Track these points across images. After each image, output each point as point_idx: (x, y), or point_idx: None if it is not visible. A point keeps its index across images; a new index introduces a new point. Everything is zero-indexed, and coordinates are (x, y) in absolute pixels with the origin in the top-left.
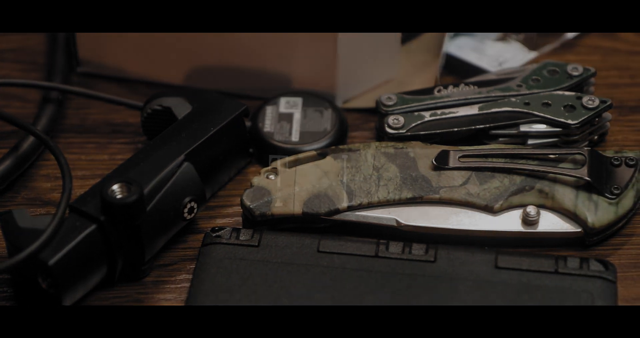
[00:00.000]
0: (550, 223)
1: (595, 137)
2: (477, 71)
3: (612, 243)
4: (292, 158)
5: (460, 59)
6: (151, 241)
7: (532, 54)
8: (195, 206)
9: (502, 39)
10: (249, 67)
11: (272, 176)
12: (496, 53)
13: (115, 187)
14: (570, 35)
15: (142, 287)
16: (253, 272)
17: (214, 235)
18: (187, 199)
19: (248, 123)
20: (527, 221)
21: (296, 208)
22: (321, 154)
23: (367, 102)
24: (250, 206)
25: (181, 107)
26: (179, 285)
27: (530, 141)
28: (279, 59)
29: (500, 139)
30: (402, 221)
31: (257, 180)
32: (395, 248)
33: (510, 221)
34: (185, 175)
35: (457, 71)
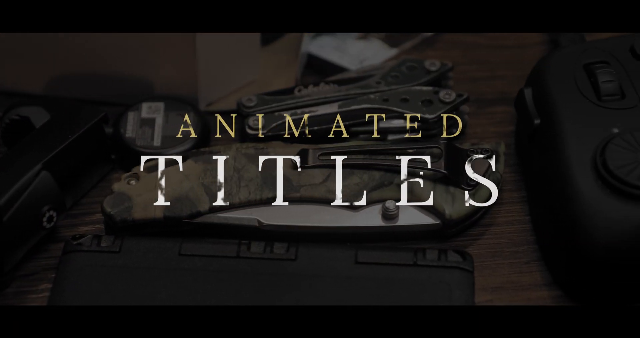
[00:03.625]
0: (409, 216)
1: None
2: (339, 69)
3: (471, 233)
4: (152, 162)
5: (322, 59)
6: (10, 252)
7: (393, 51)
8: (55, 214)
9: (363, 38)
10: (109, 73)
11: (133, 182)
12: (357, 51)
13: None
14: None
15: (3, 298)
16: (114, 278)
17: (75, 242)
18: (45, 208)
19: (109, 130)
20: (386, 215)
21: (157, 212)
22: (182, 158)
23: (230, 104)
24: (111, 213)
25: (39, 116)
26: (40, 295)
27: (390, 137)
28: (139, 64)
29: (360, 136)
30: (264, 221)
31: (117, 186)
32: (256, 247)
33: (370, 217)
34: (42, 184)
35: (320, 70)
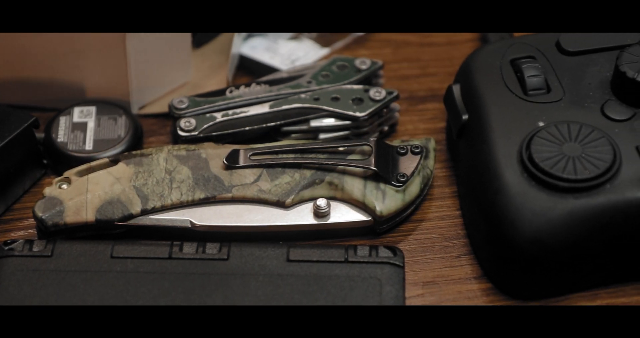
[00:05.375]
0: (341, 214)
1: (386, 128)
2: (271, 70)
3: (402, 229)
4: (84, 166)
5: (254, 60)
6: None
7: (325, 51)
8: None
9: (295, 38)
10: (39, 78)
11: (64, 186)
12: (289, 52)
13: None
14: None
15: None
16: (46, 282)
17: (6, 248)
18: None
19: (40, 135)
20: (318, 213)
21: (89, 215)
22: (113, 161)
23: (162, 107)
24: (42, 217)
25: None
26: None
27: (322, 136)
28: (69, 67)
29: (293, 135)
30: (196, 221)
31: (48, 190)
32: (189, 248)
33: (302, 215)
34: None
35: (252, 71)
